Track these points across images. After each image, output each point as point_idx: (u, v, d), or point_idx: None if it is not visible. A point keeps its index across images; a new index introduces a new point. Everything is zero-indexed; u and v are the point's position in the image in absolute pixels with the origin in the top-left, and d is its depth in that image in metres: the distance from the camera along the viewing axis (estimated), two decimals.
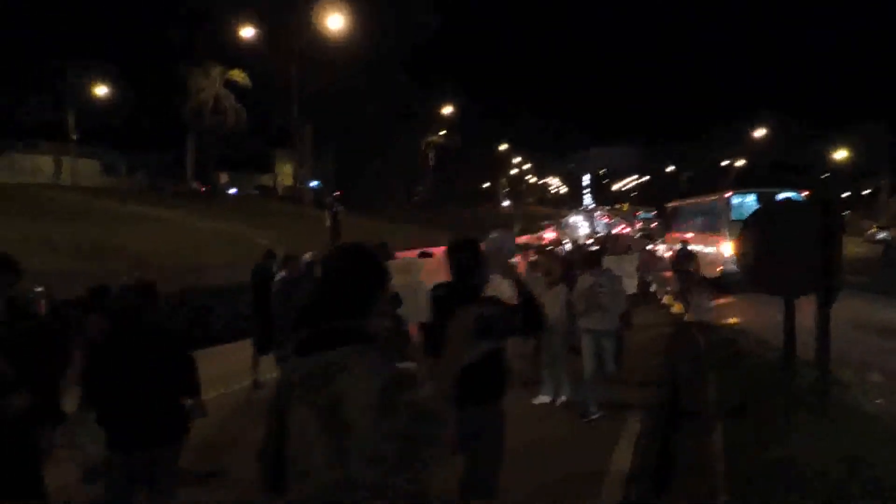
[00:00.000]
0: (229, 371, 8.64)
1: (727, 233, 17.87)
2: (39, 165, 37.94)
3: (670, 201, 29.68)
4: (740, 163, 63.28)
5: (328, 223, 20.66)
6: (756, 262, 6.21)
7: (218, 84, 35.96)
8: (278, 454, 1.99)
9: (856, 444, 5.05)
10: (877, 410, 6.15)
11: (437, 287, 3.63)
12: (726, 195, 19.92)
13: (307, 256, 8.19)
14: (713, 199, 21.28)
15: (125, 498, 3.60)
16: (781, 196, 17.68)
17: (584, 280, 7.09)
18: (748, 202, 18.72)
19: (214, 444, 5.84)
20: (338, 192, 53.29)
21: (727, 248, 17.27)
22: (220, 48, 33.75)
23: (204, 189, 38.07)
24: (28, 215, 19.19)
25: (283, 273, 7.77)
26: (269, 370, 8.21)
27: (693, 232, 20.60)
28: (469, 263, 3.51)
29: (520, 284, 3.56)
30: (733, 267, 16.58)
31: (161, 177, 43.79)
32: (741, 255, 6.35)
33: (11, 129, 35.41)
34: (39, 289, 5.22)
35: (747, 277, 6.40)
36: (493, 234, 4.06)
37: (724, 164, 67.97)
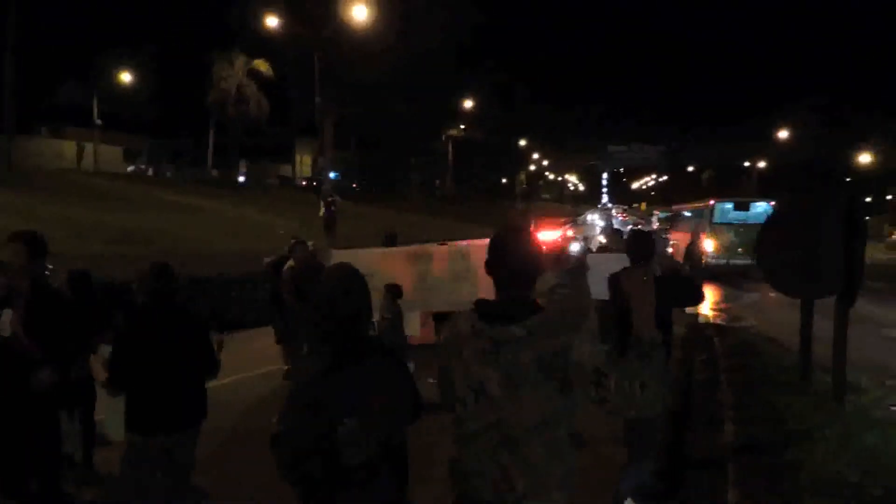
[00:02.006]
0: (246, 359, 8.72)
1: (709, 232, 22.28)
2: (62, 150, 38.38)
3: (678, 204, 34.55)
4: (762, 164, 62.55)
5: (322, 213, 19.52)
6: (776, 262, 6.18)
7: (241, 73, 36.21)
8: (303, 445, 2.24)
9: (871, 449, 5.02)
10: (891, 416, 6.09)
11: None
12: (710, 202, 24.88)
13: (309, 245, 8.09)
14: (701, 206, 26.31)
15: (146, 482, 3.61)
16: (754, 205, 23.40)
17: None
18: (727, 208, 23.62)
19: (230, 432, 5.91)
20: (354, 185, 53.52)
21: (709, 244, 21.52)
22: (244, 37, 33.94)
23: (216, 173, 38.30)
24: (57, 199, 19.51)
25: (290, 262, 7.65)
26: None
27: (687, 232, 24.68)
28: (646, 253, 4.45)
29: (674, 270, 4.81)
30: (712, 260, 21.10)
31: (182, 164, 44.19)
32: (761, 256, 6.32)
33: (39, 114, 35.92)
34: (50, 266, 5.20)
35: (767, 278, 6.38)
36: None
37: (745, 164, 67.24)
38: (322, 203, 20.15)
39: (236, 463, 5.37)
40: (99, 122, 38.02)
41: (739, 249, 21.34)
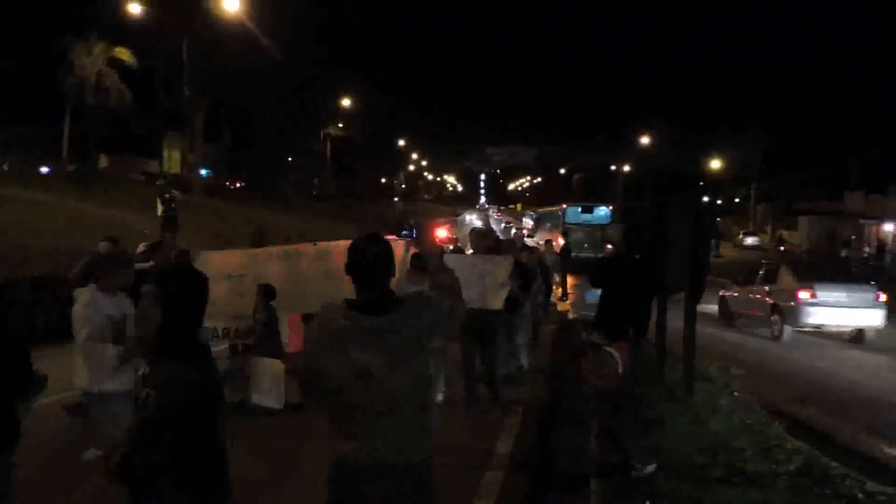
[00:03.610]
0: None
1: (562, 231, 26.20)
2: None
3: (544, 206, 39.48)
4: (627, 168, 66.31)
5: (160, 213, 17.78)
6: None
7: (101, 61, 33.73)
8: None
9: (716, 433, 5.46)
10: (735, 402, 6.65)
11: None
12: (563, 206, 29.68)
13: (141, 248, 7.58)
14: (557, 209, 30.67)
15: None
16: (597, 209, 28.62)
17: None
18: (576, 211, 28.79)
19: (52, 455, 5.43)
20: (228, 182, 51.51)
21: (561, 241, 24.38)
22: (104, 23, 31.65)
23: (71, 167, 35.39)
24: None
25: (150, 263, 7.08)
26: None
27: (548, 232, 28.75)
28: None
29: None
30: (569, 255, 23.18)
31: (33, 156, 40.65)
32: None
33: None
34: None
35: None
36: None
37: (612, 168, 71.05)
38: (159, 201, 18.17)
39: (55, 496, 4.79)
40: None
41: (585, 245, 25.84)
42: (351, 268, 2.55)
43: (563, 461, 5.34)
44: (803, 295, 12.16)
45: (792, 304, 12.33)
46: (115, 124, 36.55)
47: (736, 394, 7.00)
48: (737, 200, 62.34)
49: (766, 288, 13.30)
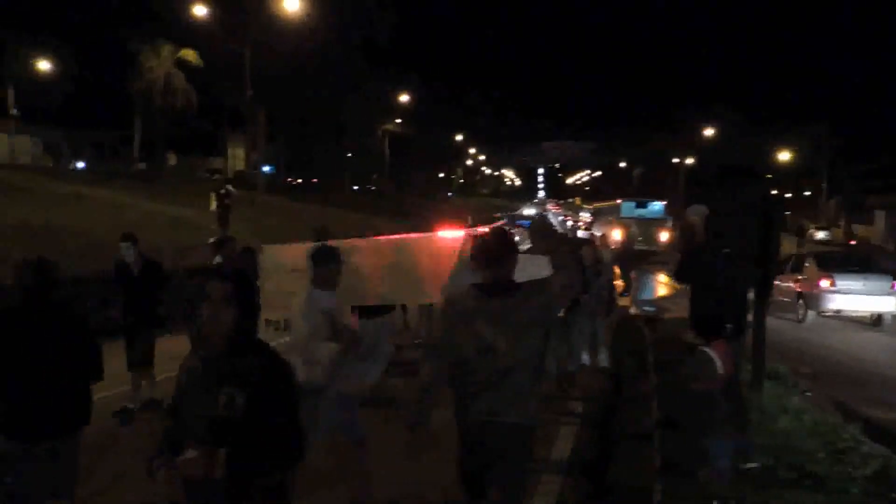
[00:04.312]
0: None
1: (617, 224, 28.23)
2: None
3: (603, 200, 41.66)
4: (690, 161, 64.51)
5: (213, 207, 17.97)
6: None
7: (168, 63, 34.88)
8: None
9: (783, 434, 5.25)
10: (805, 402, 6.39)
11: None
12: (618, 201, 32.27)
13: (213, 240, 7.79)
14: (612, 203, 33.31)
15: (23, 494, 3.34)
16: (651, 204, 30.91)
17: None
18: (630, 206, 30.85)
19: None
20: (290, 179, 52.59)
21: (617, 233, 26.15)
22: (171, 26, 32.70)
23: (142, 166, 36.87)
24: None
25: (217, 258, 7.13)
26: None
27: (604, 225, 29.68)
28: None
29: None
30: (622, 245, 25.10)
31: (103, 157, 42.46)
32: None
33: None
34: None
35: None
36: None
37: (674, 161, 69.26)
38: (213, 196, 18.45)
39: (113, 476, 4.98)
40: (15, 111, 36.05)
41: (639, 238, 27.20)
42: (478, 254, 2.96)
43: (623, 464, 5.22)
44: (824, 283, 13.46)
45: (814, 291, 13.64)
46: (181, 124, 37.73)
47: (807, 393, 6.72)
48: (807, 194, 59.92)
49: (795, 276, 14.46)
